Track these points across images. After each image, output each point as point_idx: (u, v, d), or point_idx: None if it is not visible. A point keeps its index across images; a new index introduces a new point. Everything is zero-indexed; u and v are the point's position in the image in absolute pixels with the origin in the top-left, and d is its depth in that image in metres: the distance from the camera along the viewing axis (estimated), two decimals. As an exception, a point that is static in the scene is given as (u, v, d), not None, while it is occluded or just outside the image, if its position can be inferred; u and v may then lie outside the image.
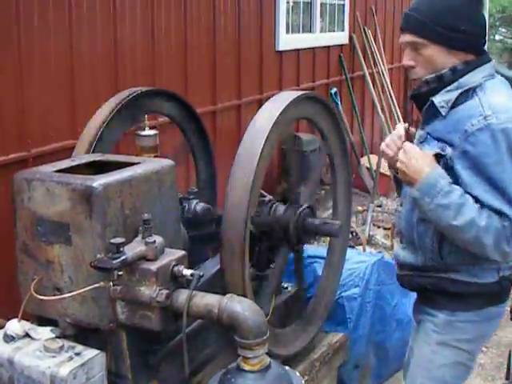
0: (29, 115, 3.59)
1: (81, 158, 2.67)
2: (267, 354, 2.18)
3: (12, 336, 2.35)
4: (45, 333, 2.37)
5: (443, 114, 2.37)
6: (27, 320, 2.42)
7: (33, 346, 2.31)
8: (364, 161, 8.04)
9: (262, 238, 2.98)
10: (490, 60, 2.43)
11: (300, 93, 2.88)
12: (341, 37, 7.88)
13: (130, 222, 2.30)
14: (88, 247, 2.24)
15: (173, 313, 2.22)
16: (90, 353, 2.28)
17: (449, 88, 2.37)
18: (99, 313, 2.29)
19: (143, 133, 2.81)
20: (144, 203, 2.36)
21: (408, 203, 2.50)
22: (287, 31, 6.63)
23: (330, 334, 3.41)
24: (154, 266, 2.18)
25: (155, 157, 2.73)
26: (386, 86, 8.64)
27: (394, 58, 9.67)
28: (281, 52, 6.50)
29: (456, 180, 2.30)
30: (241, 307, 2.15)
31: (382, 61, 8.66)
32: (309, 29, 7.25)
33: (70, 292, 2.27)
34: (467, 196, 2.27)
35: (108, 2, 4.19)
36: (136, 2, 4.46)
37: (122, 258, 2.13)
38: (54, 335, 2.35)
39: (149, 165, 2.47)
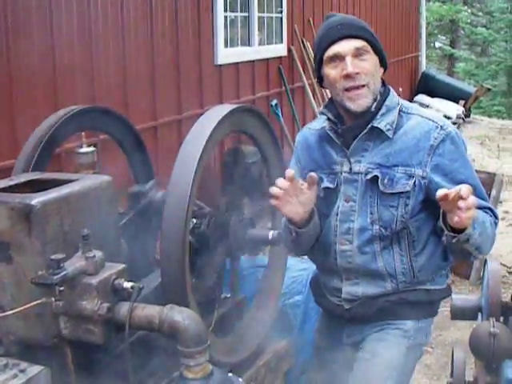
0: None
1: (19, 177, 2.69)
2: (211, 362, 2.24)
3: (-45, 356, 2.36)
4: (-11, 352, 2.39)
5: (390, 136, 2.40)
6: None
7: (-23, 366, 2.32)
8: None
9: (203, 249, 3.03)
10: None
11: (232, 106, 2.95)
12: (279, 49, 8.03)
13: (70, 237, 2.33)
14: (29, 265, 2.26)
15: (115, 325, 2.26)
16: (35, 369, 2.29)
17: (382, 111, 2.41)
18: (42, 329, 2.31)
19: (81, 150, 2.86)
20: (83, 219, 2.39)
21: (359, 238, 2.47)
22: (226, 45, 6.73)
23: (275, 341, 3.46)
24: (94, 280, 2.22)
25: (93, 173, 2.77)
26: (325, 95, 8.79)
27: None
28: (220, 66, 6.59)
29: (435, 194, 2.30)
30: (181, 317, 2.20)
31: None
32: (247, 42, 7.35)
33: (12, 310, 2.30)
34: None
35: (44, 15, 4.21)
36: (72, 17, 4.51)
37: (63, 273, 2.16)
38: (-2, 354, 2.37)
39: (87, 181, 2.50)
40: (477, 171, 2.61)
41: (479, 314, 3.62)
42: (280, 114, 7.86)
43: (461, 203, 2.03)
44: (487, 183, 6.05)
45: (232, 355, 3.11)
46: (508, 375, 3.38)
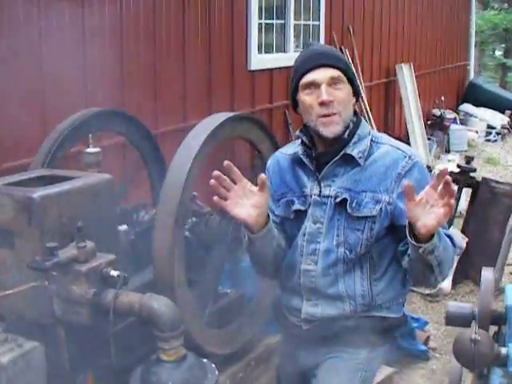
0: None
1: (31, 172, 2.99)
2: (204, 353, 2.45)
3: (-37, 329, 2.65)
4: (-8, 327, 2.67)
5: (361, 163, 2.48)
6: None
7: (-20, 339, 2.61)
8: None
9: (199, 246, 3.28)
10: None
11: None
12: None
13: (67, 229, 2.60)
14: (28, 251, 2.55)
15: (101, 309, 2.51)
16: (30, 344, 2.57)
17: (354, 140, 2.49)
18: (39, 309, 2.59)
19: (88, 150, 3.14)
20: (80, 213, 2.66)
21: (324, 259, 2.52)
22: (259, 51, 6.93)
23: (269, 336, 3.69)
24: (84, 268, 2.49)
25: (98, 172, 3.04)
26: (362, 103, 8.95)
27: (374, 75, 10.00)
28: (253, 71, 6.80)
29: (400, 219, 2.40)
30: (157, 304, 2.46)
31: (360, 79, 8.96)
32: (282, 49, 7.54)
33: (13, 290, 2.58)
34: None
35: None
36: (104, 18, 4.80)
37: (55, 260, 2.44)
38: (0, 329, 2.65)
39: (87, 179, 2.78)
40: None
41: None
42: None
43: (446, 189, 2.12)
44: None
45: (224, 347, 3.36)
46: (493, 382, 3.55)
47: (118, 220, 3.04)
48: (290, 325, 2.66)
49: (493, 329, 3.78)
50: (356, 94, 2.54)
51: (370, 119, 9.05)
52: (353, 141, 2.49)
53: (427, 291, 6.19)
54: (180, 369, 2.44)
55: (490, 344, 3.42)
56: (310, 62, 2.47)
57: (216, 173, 2.26)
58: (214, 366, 2.59)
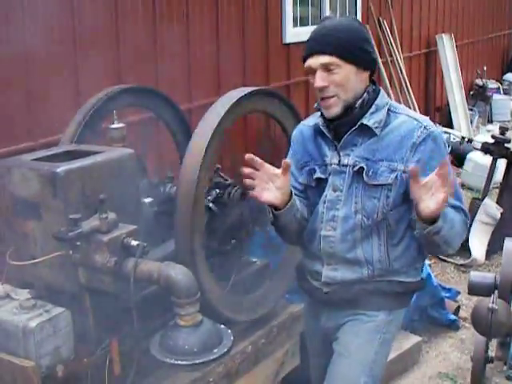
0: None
1: (58, 148, 3.13)
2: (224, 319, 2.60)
3: (-5, 296, 2.82)
4: (23, 294, 2.82)
5: (378, 133, 2.59)
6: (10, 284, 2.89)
7: (11, 305, 2.76)
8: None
9: (224, 216, 3.39)
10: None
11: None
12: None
13: (90, 201, 2.73)
14: (54, 222, 2.68)
15: (122, 277, 2.65)
16: (57, 310, 2.73)
17: (371, 110, 2.59)
18: (65, 277, 2.73)
19: (112, 126, 3.26)
20: (103, 186, 2.78)
21: (342, 225, 2.64)
22: (295, 23, 6.96)
23: (292, 305, 3.80)
24: (105, 238, 2.63)
25: (123, 146, 3.16)
26: (400, 74, 8.93)
27: (413, 46, 9.94)
28: (288, 44, 6.84)
29: None
30: (174, 272, 2.58)
31: (398, 50, 8.94)
32: (318, 21, 7.54)
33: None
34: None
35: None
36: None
37: (78, 230, 2.58)
38: (30, 296, 2.81)
39: (110, 153, 2.91)
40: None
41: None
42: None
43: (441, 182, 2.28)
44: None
45: (247, 314, 3.48)
46: (512, 350, 3.63)
47: (142, 192, 3.16)
48: (312, 288, 2.81)
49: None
50: (367, 67, 2.62)
51: (408, 90, 9.03)
52: (370, 111, 2.59)
53: (461, 262, 6.24)
54: (196, 333, 2.57)
55: (507, 313, 3.49)
56: (308, 48, 2.62)
57: (249, 156, 2.45)
58: (229, 331, 2.71)
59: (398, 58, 8.90)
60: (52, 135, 4.06)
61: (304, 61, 2.63)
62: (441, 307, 5.07)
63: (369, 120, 2.59)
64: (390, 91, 8.59)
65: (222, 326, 2.74)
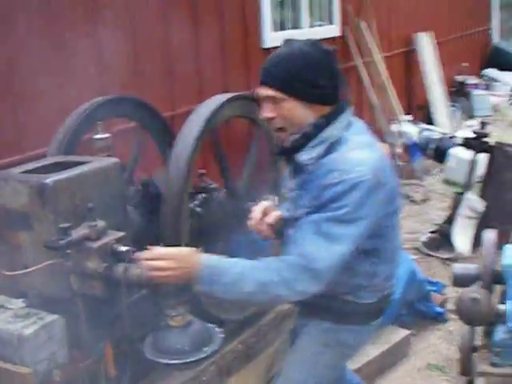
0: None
1: (45, 160, 3.22)
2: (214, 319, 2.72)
3: (-10, 307, 2.91)
4: (17, 303, 2.91)
5: (309, 169, 2.52)
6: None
7: (6, 314, 2.85)
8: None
9: (210, 218, 3.49)
10: (346, 108, 2.58)
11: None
12: (331, 30, 8.28)
13: (79, 210, 2.82)
14: (44, 232, 2.77)
15: (114, 282, 2.73)
16: (51, 317, 2.82)
17: (312, 144, 2.51)
18: (57, 284, 2.81)
19: (97, 136, 3.36)
20: (91, 194, 2.87)
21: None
22: (275, 28, 7.06)
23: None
24: (95, 245, 2.71)
25: (108, 156, 3.26)
26: (382, 74, 9.04)
27: (393, 45, 10.06)
28: (268, 49, 6.91)
29: None
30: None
31: (378, 50, 9.05)
32: (297, 25, 7.66)
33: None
34: (244, 261, 2.53)
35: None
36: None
37: (68, 239, 2.66)
38: (24, 305, 2.89)
39: (96, 163, 3.00)
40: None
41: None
42: (333, 93, 8.15)
43: None
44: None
45: (237, 314, 3.57)
46: (495, 338, 3.73)
47: (128, 199, 3.25)
48: None
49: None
50: (317, 101, 2.52)
51: (390, 89, 9.13)
52: (310, 145, 2.52)
53: (446, 256, 6.34)
54: (187, 333, 2.66)
55: (489, 302, 3.59)
56: (260, 74, 2.60)
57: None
58: (219, 330, 2.80)
59: (378, 58, 9.01)
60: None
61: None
62: (427, 301, 5.17)
63: (302, 155, 2.54)
64: (372, 92, 8.69)
65: (211, 325, 2.82)
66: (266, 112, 2.54)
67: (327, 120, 2.52)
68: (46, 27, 4.42)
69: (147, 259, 2.52)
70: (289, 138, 2.56)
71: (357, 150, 2.47)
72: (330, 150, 2.50)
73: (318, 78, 2.48)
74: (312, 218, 2.46)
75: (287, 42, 2.61)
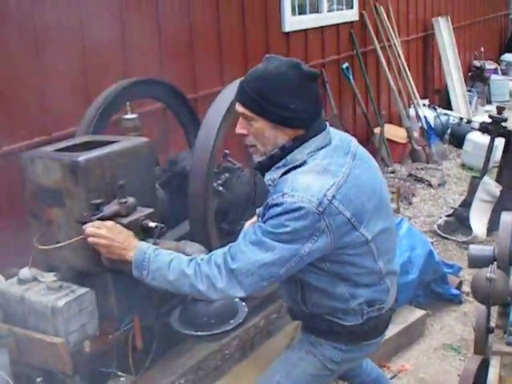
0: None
1: (76, 139, 3.32)
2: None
3: (24, 280, 3.01)
4: (49, 277, 3.02)
5: (270, 190, 2.49)
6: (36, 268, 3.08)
7: (39, 287, 2.97)
8: (377, 130, 8.49)
9: (232, 198, 3.59)
10: (321, 131, 2.51)
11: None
12: (350, 14, 8.34)
13: (110, 187, 2.92)
14: (77, 208, 2.88)
15: (143, 257, 2.83)
16: (82, 290, 2.93)
17: (277, 165, 2.48)
18: (88, 259, 2.91)
19: (126, 116, 3.45)
20: (121, 172, 2.97)
21: None
22: (293, 12, 7.13)
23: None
24: (125, 220, 2.82)
25: (137, 135, 3.35)
26: (398, 58, 9.09)
27: (410, 30, 10.09)
28: (288, 33, 7.01)
29: None
30: (190, 250, 2.78)
31: (395, 35, 9.10)
32: (316, 9, 7.72)
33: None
34: (177, 254, 2.58)
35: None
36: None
37: (100, 215, 2.77)
38: (55, 278, 3.00)
39: (126, 142, 3.10)
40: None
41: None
42: (351, 77, 8.23)
43: None
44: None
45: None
46: (511, 318, 3.79)
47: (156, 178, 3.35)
48: None
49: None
50: (286, 124, 2.46)
51: (407, 74, 9.19)
52: (276, 165, 2.50)
53: (463, 239, 6.41)
54: (213, 305, 2.76)
55: (505, 282, 3.66)
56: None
57: None
58: (243, 303, 2.90)
59: (396, 42, 9.05)
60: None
61: None
62: (444, 282, 5.24)
63: (267, 175, 2.54)
64: (389, 75, 8.75)
65: (236, 299, 2.92)
66: (238, 128, 2.53)
67: (295, 143, 2.47)
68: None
69: (93, 226, 2.70)
70: (257, 156, 2.54)
71: (310, 174, 2.41)
72: (288, 172, 2.46)
73: (289, 101, 2.40)
74: (257, 225, 2.47)
75: (268, 58, 2.49)
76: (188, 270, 2.48)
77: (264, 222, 2.41)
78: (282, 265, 2.39)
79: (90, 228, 2.70)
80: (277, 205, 2.36)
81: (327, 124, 2.57)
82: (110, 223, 2.71)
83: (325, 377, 2.77)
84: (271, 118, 2.43)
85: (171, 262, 2.52)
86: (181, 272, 2.49)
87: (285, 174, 2.45)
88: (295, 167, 2.44)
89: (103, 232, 2.68)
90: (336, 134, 2.60)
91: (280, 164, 2.48)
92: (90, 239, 2.70)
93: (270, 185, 2.50)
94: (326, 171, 2.41)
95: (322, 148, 2.48)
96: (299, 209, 2.32)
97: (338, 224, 2.38)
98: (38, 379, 2.86)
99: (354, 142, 2.64)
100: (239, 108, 2.48)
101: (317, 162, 2.44)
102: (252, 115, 2.44)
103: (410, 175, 8.19)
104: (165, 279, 2.52)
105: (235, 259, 2.41)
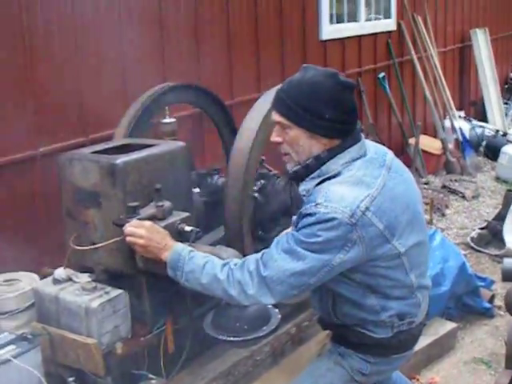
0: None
1: (114, 142, 3.35)
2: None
3: (58, 280, 3.05)
4: (83, 277, 3.05)
5: (304, 200, 2.48)
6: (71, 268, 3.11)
7: (73, 287, 3.00)
8: (412, 141, 8.45)
9: (267, 205, 3.59)
10: (357, 142, 2.50)
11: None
12: (387, 24, 8.32)
13: (147, 190, 2.94)
14: (113, 210, 2.90)
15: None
16: (116, 292, 2.96)
17: (312, 176, 2.48)
18: (123, 261, 2.93)
19: (164, 120, 3.48)
20: (158, 176, 2.99)
21: None
22: (331, 21, 7.13)
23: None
24: (162, 224, 2.83)
25: (174, 140, 3.37)
26: (435, 69, 9.05)
27: (448, 41, 10.04)
28: (325, 41, 7.02)
29: None
30: (226, 254, 2.78)
31: (432, 45, 9.06)
32: (354, 18, 7.72)
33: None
34: (211, 257, 2.59)
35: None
36: None
37: (137, 217, 2.78)
38: (90, 279, 3.03)
39: (164, 146, 3.12)
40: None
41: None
42: (387, 86, 8.21)
43: None
44: None
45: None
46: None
47: (192, 183, 3.37)
48: None
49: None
50: (322, 133, 2.46)
51: (443, 85, 9.14)
52: (311, 176, 2.49)
53: (496, 252, 6.35)
54: (246, 312, 2.77)
55: (540, 297, 3.63)
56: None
57: None
58: (277, 310, 2.90)
59: (433, 53, 9.01)
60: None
61: None
62: (476, 295, 5.19)
63: (301, 186, 2.53)
64: (425, 86, 8.71)
65: (270, 306, 2.92)
66: (274, 136, 2.53)
67: (330, 153, 2.47)
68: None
69: (132, 225, 2.71)
70: (291, 165, 2.54)
71: (344, 185, 2.41)
72: (322, 182, 2.46)
73: (325, 111, 2.40)
74: (290, 233, 2.46)
75: (305, 68, 2.50)
76: (221, 275, 2.49)
77: (297, 231, 2.41)
78: (313, 274, 2.39)
79: (129, 228, 2.72)
80: (310, 214, 2.36)
81: (362, 135, 2.56)
82: (148, 223, 2.73)
83: None
84: (307, 127, 2.43)
85: (205, 265, 2.54)
86: (214, 276, 2.51)
87: (319, 184, 2.45)
88: (329, 178, 2.44)
89: (142, 232, 2.68)
90: (371, 147, 2.60)
91: (315, 175, 2.48)
92: (128, 238, 2.72)
93: (304, 195, 2.50)
94: (360, 182, 2.41)
95: (357, 159, 2.48)
96: (332, 219, 2.32)
97: (371, 236, 2.37)
98: (70, 379, 2.89)
99: (389, 154, 2.63)
100: (275, 116, 2.49)
101: (351, 173, 2.44)
102: (288, 123, 2.45)
103: (444, 187, 8.14)
104: (198, 282, 2.54)
105: (267, 266, 2.42)
